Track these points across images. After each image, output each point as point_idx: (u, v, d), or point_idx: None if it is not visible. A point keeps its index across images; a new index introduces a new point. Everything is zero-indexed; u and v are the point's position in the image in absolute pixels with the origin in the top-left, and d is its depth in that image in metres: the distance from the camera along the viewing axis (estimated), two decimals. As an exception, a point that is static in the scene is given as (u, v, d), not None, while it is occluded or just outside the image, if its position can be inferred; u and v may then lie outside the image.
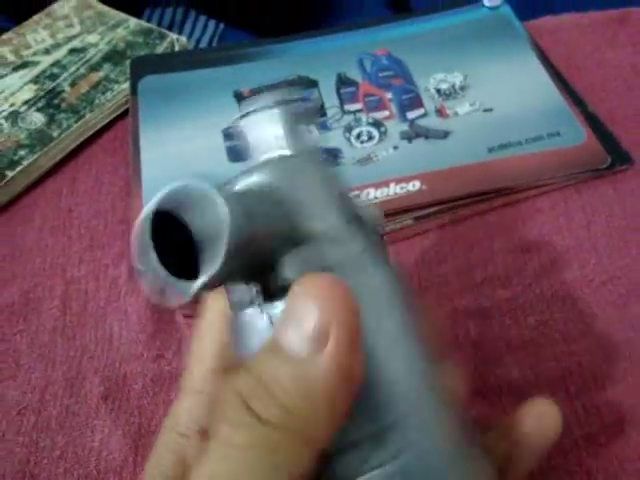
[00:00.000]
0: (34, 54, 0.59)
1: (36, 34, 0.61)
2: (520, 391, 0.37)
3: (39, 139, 0.51)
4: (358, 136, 0.49)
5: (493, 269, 0.43)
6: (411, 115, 0.50)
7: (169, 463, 0.25)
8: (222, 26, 0.68)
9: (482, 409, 0.37)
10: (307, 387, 0.20)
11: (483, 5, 0.57)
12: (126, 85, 0.54)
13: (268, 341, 0.20)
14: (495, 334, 0.40)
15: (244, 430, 0.20)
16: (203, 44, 0.65)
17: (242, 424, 0.20)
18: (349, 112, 0.50)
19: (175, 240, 0.20)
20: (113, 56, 0.58)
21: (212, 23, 0.67)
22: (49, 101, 0.54)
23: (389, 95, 0.51)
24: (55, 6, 0.63)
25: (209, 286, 0.20)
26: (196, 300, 0.21)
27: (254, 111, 0.26)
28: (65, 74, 0.56)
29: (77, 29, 0.61)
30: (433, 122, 0.49)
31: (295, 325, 0.20)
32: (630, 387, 0.37)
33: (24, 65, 0.58)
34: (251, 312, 0.23)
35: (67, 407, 0.39)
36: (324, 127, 0.50)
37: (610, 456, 0.35)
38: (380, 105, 0.51)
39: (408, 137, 0.48)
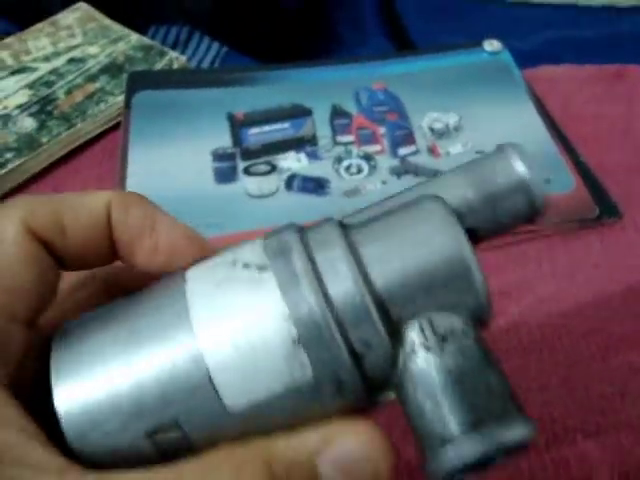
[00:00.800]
0: (33, 60, 0.59)
1: (37, 41, 0.61)
2: (490, 438, 0.37)
3: (28, 143, 0.51)
4: (347, 168, 0.48)
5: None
6: (402, 151, 0.50)
7: None
8: (225, 49, 0.68)
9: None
10: None
11: (484, 50, 0.58)
12: (121, 98, 0.54)
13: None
14: (469, 378, 0.39)
15: None
16: (205, 65, 0.65)
17: None
18: (341, 143, 0.50)
19: None
20: (111, 69, 0.58)
21: (215, 45, 0.67)
22: (42, 107, 0.54)
23: (382, 130, 0.51)
24: (60, 16, 0.64)
25: None
26: None
27: None
28: (61, 82, 0.56)
29: (79, 40, 0.61)
30: (424, 160, 0.49)
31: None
32: (601, 442, 0.36)
33: (22, 70, 0.58)
34: None
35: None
36: (314, 156, 0.49)
37: (577, 514, 0.34)
38: (372, 139, 0.51)
39: (397, 173, 0.48)
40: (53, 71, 0.57)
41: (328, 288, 0.20)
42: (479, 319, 0.21)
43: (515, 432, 0.19)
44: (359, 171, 0.48)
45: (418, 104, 0.53)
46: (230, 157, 0.49)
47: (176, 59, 0.58)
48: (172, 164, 0.49)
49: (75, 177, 0.51)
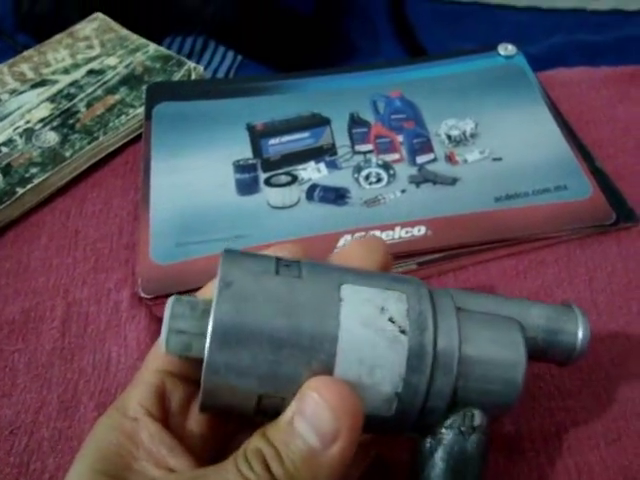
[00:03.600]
0: (53, 73, 0.60)
1: (57, 53, 0.62)
2: (513, 444, 0.37)
3: (51, 158, 0.52)
4: (367, 177, 0.49)
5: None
6: (421, 159, 0.50)
7: (116, 439, 0.28)
8: (240, 58, 0.68)
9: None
10: (315, 470, 0.25)
11: (498, 54, 0.58)
12: (141, 110, 0.55)
13: (286, 420, 0.26)
14: (492, 385, 0.40)
15: (257, 476, 0.25)
16: (220, 74, 0.65)
17: (259, 473, 0.25)
18: (359, 152, 0.51)
19: None
20: (130, 80, 0.58)
21: (230, 54, 0.68)
22: (64, 121, 0.55)
23: (400, 138, 0.52)
24: (77, 27, 0.64)
25: None
26: None
27: None
28: (82, 95, 0.57)
29: (97, 51, 0.62)
30: (442, 168, 0.50)
31: (310, 422, 0.25)
32: (624, 447, 0.37)
33: (42, 83, 0.58)
34: None
35: (60, 430, 0.39)
36: (334, 166, 0.50)
37: (600, 518, 0.35)
38: (391, 147, 0.51)
39: (416, 181, 0.49)
40: (73, 83, 0.58)
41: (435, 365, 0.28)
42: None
43: None
44: (378, 180, 0.49)
45: (434, 111, 0.54)
46: (251, 168, 0.50)
47: (194, 69, 0.59)
48: (194, 176, 0.50)
49: (99, 190, 0.52)
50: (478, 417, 0.29)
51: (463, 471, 0.29)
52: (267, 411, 0.27)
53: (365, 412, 0.26)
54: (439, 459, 0.28)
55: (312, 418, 0.25)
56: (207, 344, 0.26)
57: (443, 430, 0.29)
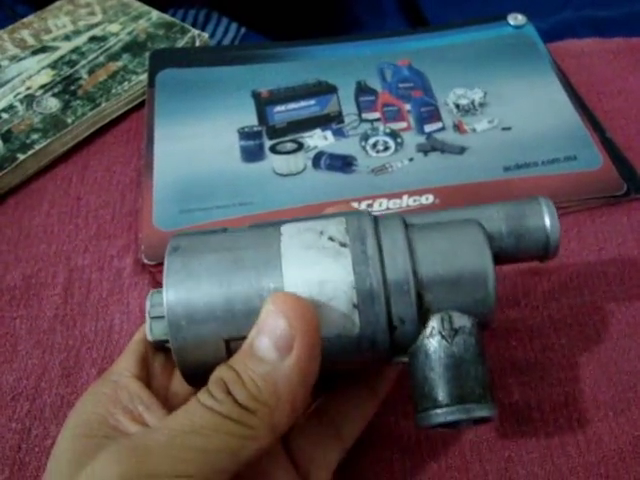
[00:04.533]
0: (54, 39, 0.59)
1: (57, 20, 0.61)
2: (521, 414, 0.37)
3: (53, 124, 0.51)
4: (374, 145, 0.48)
5: (502, 289, 0.42)
6: (429, 128, 0.50)
7: (97, 402, 0.29)
8: (243, 30, 0.67)
9: (481, 431, 0.36)
10: (276, 382, 0.25)
11: (508, 24, 0.57)
12: (144, 77, 0.54)
13: (247, 344, 0.26)
14: (500, 355, 0.39)
15: (222, 405, 0.25)
16: (224, 46, 0.64)
17: (221, 400, 0.25)
18: (367, 120, 0.50)
19: None
20: (133, 47, 0.57)
21: (234, 26, 0.67)
22: (66, 87, 0.54)
23: (408, 107, 0.51)
24: (78, -7, 0.63)
25: None
26: None
27: None
28: (83, 61, 0.56)
29: (99, 17, 0.61)
30: (450, 137, 0.49)
31: (267, 334, 0.25)
32: (633, 418, 0.37)
33: (43, 49, 0.57)
34: None
35: (62, 396, 0.39)
36: (340, 134, 0.49)
37: (610, 487, 0.34)
38: (398, 116, 0.50)
39: (424, 150, 0.48)
40: (75, 50, 0.57)
41: (387, 273, 0.27)
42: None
43: (484, 412, 0.27)
44: (386, 148, 0.48)
45: (443, 80, 0.53)
46: (256, 135, 0.49)
47: (198, 36, 0.58)
48: (199, 143, 0.49)
49: (101, 157, 0.51)
50: (457, 319, 0.28)
51: (458, 376, 0.27)
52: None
53: (333, 335, 0.27)
54: (429, 370, 0.28)
55: (269, 331, 0.25)
56: (164, 302, 0.27)
57: (426, 341, 0.28)
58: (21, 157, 0.48)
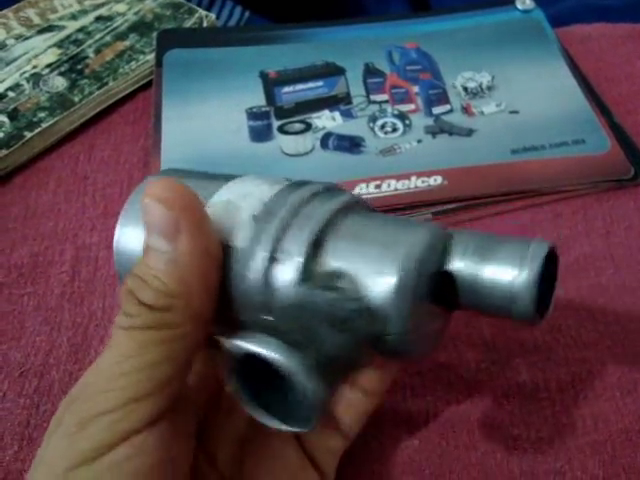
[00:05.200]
0: (60, 19, 0.58)
1: (63, -1, 0.60)
2: (528, 394, 0.37)
3: (60, 103, 0.50)
4: (382, 126, 0.48)
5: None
6: (437, 110, 0.49)
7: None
8: (248, 14, 0.67)
9: (489, 410, 0.37)
10: (178, 270, 0.24)
11: (516, 8, 0.57)
12: (151, 57, 0.54)
13: (143, 250, 0.25)
14: (508, 335, 0.39)
15: (138, 318, 0.23)
16: (229, 29, 0.64)
17: (136, 313, 0.23)
18: (375, 102, 0.50)
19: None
20: (140, 27, 0.57)
21: (238, 10, 0.67)
22: (72, 66, 0.54)
23: (416, 89, 0.51)
24: (84, -27, 0.63)
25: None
26: None
27: None
28: (90, 41, 0.56)
29: (105, -3, 0.60)
30: (458, 119, 0.49)
31: (152, 226, 0.24)
32: (640, 398, 0.37)
33: (49, 29, 0.57)
34: None
35: (70, 373, 0.39)
36: (349, 115, 0.49)
37: (617, 466, 0.34)
38: (406, 98, 0.50)
39: (432, 132, 0.48)
40: (81, 29, 0.57)
41: (299, 216, 0.26)
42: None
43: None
44: (394, 130, 0.48)
45: (451, 63, 0.53)
46: (265, 115, 0.49)
47: (206, 17, 0.58)
48: (207, 122, 0.49)
49: (109, 136, 0.51)
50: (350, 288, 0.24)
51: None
52: None
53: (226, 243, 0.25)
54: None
55: (152, 224, 0.24)
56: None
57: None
58: (28, 135, 0.48)
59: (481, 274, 0.25)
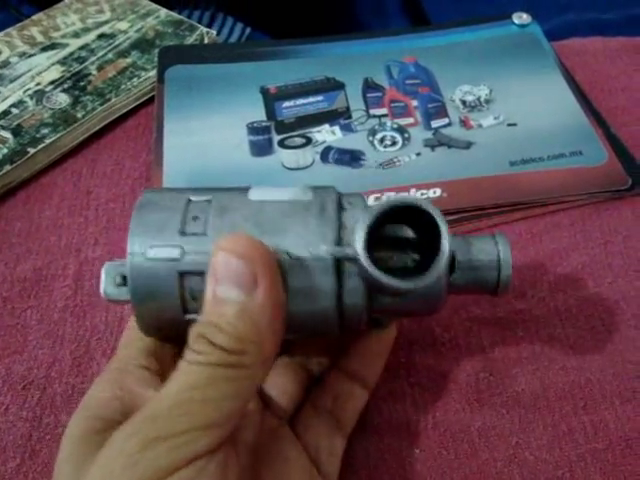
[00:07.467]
0: (63, 37, 0.59)
1: (66, 17, 0.61)
2: (528, 403, 0.37)
3: (63, 119, 0.51)
4: (382, 140, 0.49)
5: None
6: (435, 124, 0.50)
7: (103, 388, 0.30)
8: (248, 30, 0.68)
9: (488, 420, 0.37)
10: (251, 320, 0.25)
11: (513, 22, 0.58)
12: (153, 73, 0.55)
13: (208, 295, 0.26)
14: (507, 344, 0.40)
15: (210, 355, 0.25)
16: (229, 45, 0.65)
17: (208, 352, 0.25)
18: (374, 116, 0.51)
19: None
20: (141, 44, 0.58)
21: (239, 27, 0.67)
22: (75, 83, 0.54)
23: (415, 103, 0.52)
24: (87, -8, 0.64)
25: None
26: None
27: None
28: (93, 58, 0.57)
29: (107, 15, 0.61)
30: (457, 132, 0.49)
31: (229, 280, 0.25)
32: (639, 405, 0.37)
33: (52, 46, 0.58)
34: None
35: (73, 386, 0.39)
36: (348, 129, 0.50)
37: (618, 474, 0.35)
38: (405, 112, 0.51)
39: (431, 145, 0.48)
40: (84, 47, 0.58)
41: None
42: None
43: None
44: (393, 143, 0.49)
45: (449, 77, 0.53)
46: (265, 130, 0.50)
47: (207, 34, 0.58)
48: (208, 137, 0.49)
49: (111, 151, 0.51)
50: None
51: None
52: (195, 296, 0.28)
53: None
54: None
55: (227, 277, 0.26)
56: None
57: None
58: (31, 151, 0.49)
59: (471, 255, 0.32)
